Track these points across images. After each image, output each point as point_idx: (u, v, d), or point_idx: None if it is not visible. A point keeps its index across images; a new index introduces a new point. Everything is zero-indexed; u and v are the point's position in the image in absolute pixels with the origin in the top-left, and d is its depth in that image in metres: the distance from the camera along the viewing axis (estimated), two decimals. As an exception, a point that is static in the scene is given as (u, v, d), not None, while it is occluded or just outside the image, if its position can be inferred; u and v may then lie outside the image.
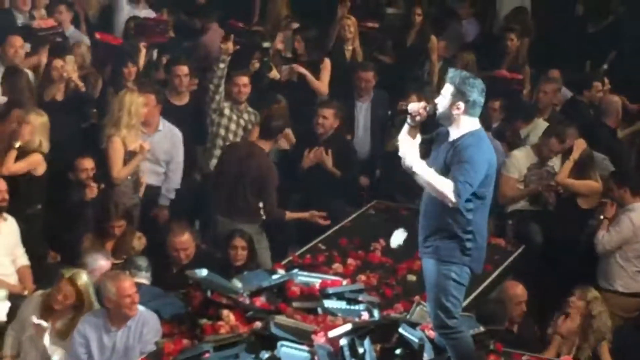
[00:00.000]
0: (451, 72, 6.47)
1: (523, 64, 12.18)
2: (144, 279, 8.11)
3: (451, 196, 6.21)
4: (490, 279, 8.31)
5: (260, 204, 9.37)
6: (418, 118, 6.51)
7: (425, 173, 6.33)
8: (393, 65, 12.13)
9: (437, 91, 6.70)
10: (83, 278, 7.57)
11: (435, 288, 6.42)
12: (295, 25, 12.00)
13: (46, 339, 7.46)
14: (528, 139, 10.45)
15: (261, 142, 9.51)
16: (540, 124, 10.58)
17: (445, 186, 6.24)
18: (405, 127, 6.58)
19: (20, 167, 9.00)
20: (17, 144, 8.95)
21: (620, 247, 9.21)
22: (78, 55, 10.89)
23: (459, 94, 6.37)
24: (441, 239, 6.38)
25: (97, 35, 11.42)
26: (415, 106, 6.53)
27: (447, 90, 6.42)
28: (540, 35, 12.79)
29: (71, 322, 7.52)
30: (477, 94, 6.37)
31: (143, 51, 11.07)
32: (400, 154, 6.46)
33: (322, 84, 11.18)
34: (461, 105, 6.37)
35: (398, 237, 6.50)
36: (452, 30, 12.99)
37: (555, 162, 9.92)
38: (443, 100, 6.43)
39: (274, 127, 9.53)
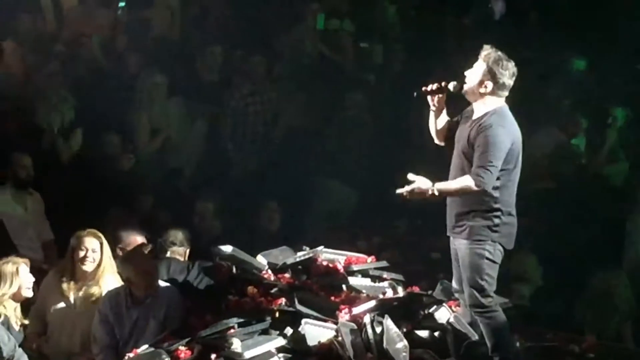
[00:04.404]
0: (486, 50, 6.34)
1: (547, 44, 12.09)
2: (178, 254, 8.09)
3: (474, 187, 6.17)
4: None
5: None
6: (436, 98, 6.49)
7: (443, 187, 6.28)
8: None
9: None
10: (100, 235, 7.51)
11: (469, 268, 6.37)
12: None
13: None
14: None
15: None
16: None
17: (464, 183, 6.22)
18: (431, 115, 6.56)
19: None
20: None
21: None
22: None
23: (489, 73, 6.28)
24: (471, 218, 6.33)
25: None
26: (428, 88, 6.48)
27: (479, 67, 6.33)
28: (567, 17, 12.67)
29: (97, 285, 7.50)
30: (507, 77, 6.28)
31: None
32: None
33: None
34: (489, 85, 6.30)
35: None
36: (478, 9, 12.89)
37: (580, 141, 9.90)
38: (472, 76, 6.35)
39: None
